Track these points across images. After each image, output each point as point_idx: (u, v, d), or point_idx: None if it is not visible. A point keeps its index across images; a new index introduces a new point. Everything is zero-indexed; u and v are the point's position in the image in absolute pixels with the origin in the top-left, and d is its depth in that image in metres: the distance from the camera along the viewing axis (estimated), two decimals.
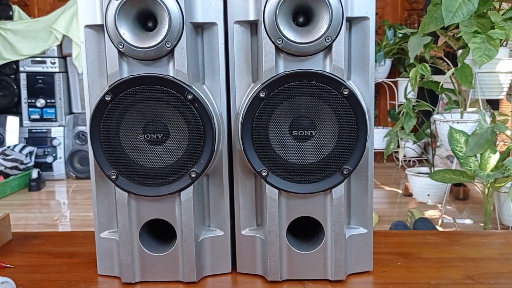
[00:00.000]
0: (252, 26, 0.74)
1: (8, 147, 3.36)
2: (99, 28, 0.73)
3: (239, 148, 0.73)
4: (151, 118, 0.72)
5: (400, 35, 2.98)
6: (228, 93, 0.76)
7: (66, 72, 3.65)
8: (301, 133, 0.72)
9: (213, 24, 0.74)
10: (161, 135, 0.73)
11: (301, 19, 0.72)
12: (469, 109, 2.25)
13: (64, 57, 3.63)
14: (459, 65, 2.01)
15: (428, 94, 2.78)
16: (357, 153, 0.72)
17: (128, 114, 0.72)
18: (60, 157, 3.55)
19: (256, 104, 0.71)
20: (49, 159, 3.53)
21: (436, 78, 2.41)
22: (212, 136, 0.72)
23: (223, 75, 0.75)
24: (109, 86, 0.71)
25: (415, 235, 0.96)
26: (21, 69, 3.57)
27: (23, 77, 3.56)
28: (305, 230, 0.80)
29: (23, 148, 3.38)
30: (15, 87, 3.59)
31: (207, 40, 0.75)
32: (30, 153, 3.39)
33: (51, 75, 3.56)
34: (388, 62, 3.68)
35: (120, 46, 0.70)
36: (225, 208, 0.78)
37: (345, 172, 0.72)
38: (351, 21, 0.73)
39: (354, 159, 0.72)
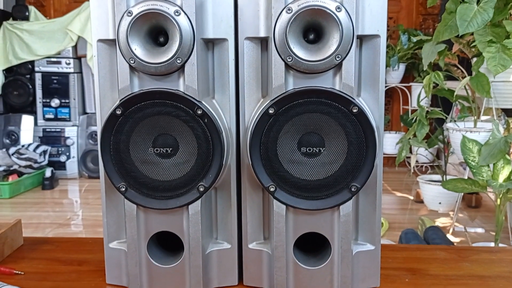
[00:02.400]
0: (263, 42, 0.74)
1: (23, 146, 3.41)
2: (111, 43, 0.74)
3: (247, 163, 0.74)
4: (161, 132, 0.73)
5: (415, 40, 2.96)
6: (238, 108, 0.76)
7: (81, 72, 3.70)
8: (309, 149, 0.72)
9: (224, 40, 0.74)
10: (170, 149, 0.73)
11: (311, 36, 0.72)
12: (482, 117, 2.23)
13: (79, 58, 3.67)
14: (474, 73, 1.99)
15: (442, 100, 2.76)
16: (366, 171, 0.72)
17: (138, 127, 0.73)
18: (74, 156, 3.59)
19: (265, 120, 0.71)
20: (62, 158, 3.58)
21: (450, 84, 2.40)
22: (220, 151, 0.73)
23: (233, 90, 0.76)
24: (120, 100, 0.72)
25: (424, 250, 0.95)
26: (36, 69, 3.62)
27: (38, 77, 3.62)
28: (312, 244, 0.80)
29: (37, 147, 3.43)
30: (30, 86, 3.64)
31: (218, 55, 0.76)
32: (44, 152, 3.44)
33: (65, 75, 3.60)
34: (402, 67, 3.66)
35: (131, 62, 0.71)
36: (232, 221, 0.78)
37: (353, 189, 0.72)
38: (362, 38, 0.73)
39: (362, 176, 0.72)
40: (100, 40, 0.75)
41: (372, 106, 0.75)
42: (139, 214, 0.76)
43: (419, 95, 2.28)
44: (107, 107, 0.76)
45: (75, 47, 3.62)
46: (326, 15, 0.69)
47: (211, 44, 0.76)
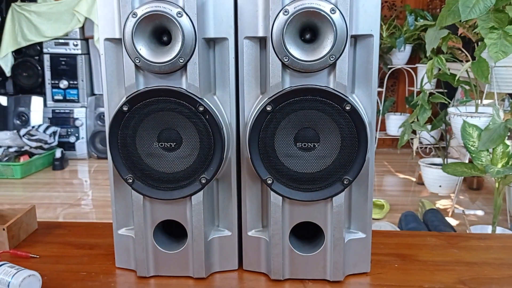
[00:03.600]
0: (261, 41, 0.78)
1: (33, 127, 3.48)
2: (118, 41, 0.78)
3: (247, 156, 0.78)
4: (165, 127, 0.78)
5: (420, 23, 2.96)
6: (238, 104, 0.81)
7: (88, 54, 3.73)
8: (304, 144, 0.77)
9: (225, 39, 0.78)
10: (174, 143, 0.78)
11: (307, 36, 0.76)
12: (485, 101, 2.25)
13: (86, 39, 3.71)
14: (476, 58, 2.00)
15: (446, 84, 2.77)
16: (357, 165, 0.77)
17: (143, 123, 0.78)
18: (82, 137, 3.66)
19: (263, 117, 0.76)
20: (72, 139, 3.65)
21: (455, 66, 2.40)
22: (221, 145, 0.77)
23: (233, 87, 0.80)
24: (126, 97, 0.77)
25: (415, 236, 1.00)
26: (44, 50, 3.66)
27: (46, 59, 3.66)
28: (307, 233, 0.85)
29: (47, 128, 3.50)
30: (39, 68, 3.69)
31: (219, 54, 0.80)
32: (54, 133, 3.50)
33: (73, 57, 3.64)
34: (408, 48, 3.66)
35: (136, 61, 0.75)
36: (233, 210, 0.83)
37: (345, 182, 0.77)
38: (356, 37, 0.77)
39: (354, 170, 0.77)
40: (106, 39, 0.79)
41: (365, 102, 0.78)
42: (146, 203, 0.81)
43: (422, 79, 2.30)
44: (114, 103, 0.81)
45: (82, 29, 3.65)
46: (321, 16, 0.72)
47: (212, 42, 0.80)
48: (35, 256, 0.91)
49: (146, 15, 0.74)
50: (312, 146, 0.77)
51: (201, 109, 0.76)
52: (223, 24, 0.77)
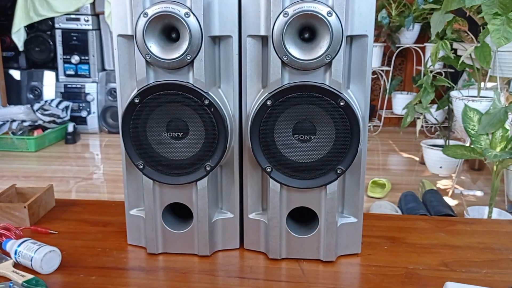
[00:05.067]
0: (263, 40, 0.84)
1: (46, 101, 3.56)
2: (130, 37, 0.84)
3: (248, 146, 0.85)
4: (173, 118, 0.84)
5: (427, 6, 2.96)
6: (240, 97, 0.87)
7: (99, 29, 3.78)
8: (302, 136, 0.83)
9: (229, 36, 0.84)
10: (182, 133, 0.85)
11: (306, 35, 0.81)
12: (488, 84, 2.28)
13: (97, 15, 3.74)
14: (480, 43, 2.03)
15: (452, 66, 2.79)
16: (350, 156, 0.83)
17: (153, 114, 0.84)
18: (94, 112, 3.74)
19: (263, 110, 0.82)
20: (83, 114, 3.73)
21: (461, 48, 2.42)
22: (225, 136, 0.84)
23: (236, 81, 0.86)
24: (138, 90, 0.83)
25: (407, 220, 1.07)
26: (56, 25, 3.71)
27: (58, 34, 3.71)
28: (303, 216, 0.92)
29: (59, 103, 3.58)
30: (51, 43, 3.75)
31: (223, 50, 0.86)
32: (66, 107, 3.59)
33: (84, 32, 3.69)
34: (417, 27, 3.65)
35: (147, 57, 0.81)
36: (235, 195, 0.90)
37: (338, 171, 0.84)
38: (352, 37, 0.82)
39: (347, 160, 0.83)
40: (120, 35, 0.85)
41: (359, 97, 0.84)
42: (155, 187, 0.88)
43: (426, 61, 2.33)
44: (126, 94, 0.87)
45: (93, 4, 3.68)
46: (318, 19, 0.77)
47: (217, 39, 0.85)
48: (54, 232, 1.00)
49: (156, 15, 0.79)
50: (308, 138, 0.83)
51: (206, 102, 0.82)
52: (228, 23, 0.83)
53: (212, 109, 0.83)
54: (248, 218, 0.91)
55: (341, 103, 0.80)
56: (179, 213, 0.94)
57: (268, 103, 0.81)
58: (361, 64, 0.83)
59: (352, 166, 0.85)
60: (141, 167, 0.87)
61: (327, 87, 0.80)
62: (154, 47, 0.81)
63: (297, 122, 0.83)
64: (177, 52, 0.81)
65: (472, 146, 1.98)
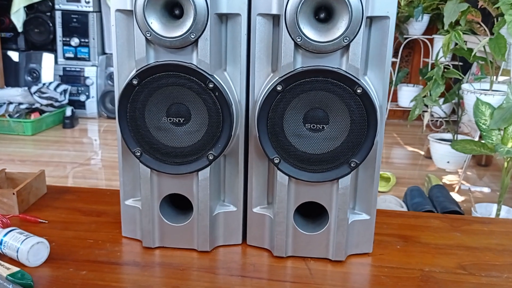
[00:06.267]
0: (275, 19, 0.77)
1: (44, 84, 3.48)
2: (129, 13, 0.77)
3: (255, 134, 0.78)
4: (174, 102, 0.78)
5: None
6: (248, 81, 0.80)
7: (100, 12, 3.69)
8: (313, 126, 0.76)
9: (237, 15, 0.77)
10: (183, 118, 0.78)
11: (322, 15, 0.74)
12: (500, 78, 2.21)
13: None
14: (494, 34, 1.95)
15: (462, 57, 2.72)
16: (366, 148, 0.76)
17: (153, 97, 0.78)
18: (93, 96, 3.67)
19: (273, 96, 0.75)
20: (82, 98, 3.66)
21: (472, 39, 2.35)
22: (230, 123, 0.77)
23: (244, 64, 0.79)
24: (136, 71, 0.76)
25: (419, 217, 1.01)
26: (56, 6, 3.62)
27: (58, 15, 3.62)
28: (311, 211, 0.86)
29: (57, 86, 3.50)
30: (51, 24, 3.66)
31: (231, 29, 0.79)
32: (65, 91, 3.51)
33: (85, 14, 3.60)
34: (426, 18, 3.56)
35: (147, 35, 0.74)
36: (239, 186, 0.84)
37: (352, 165, 0.77)
38: (371, 19, 0.75)
39: (362, 153, 0.77)
40: (118, 10, 0.78)
41: (377, 85, 0.78)
42: (153, 177, 0.82)
43: (437, 53, 2.25)
44: (124, 75, 0.80)
45: None
46: None
47: (224, 17, 0.78)
48: (43, 221, 0.93)
49: None
50: (321, 127, 0.77)
51: (211, 85, 0.75)
52: (236, 0, 0.76)
53: (216, 94, 0.76)
54: (252, 212, 0.85)
55: (358, 91, 0.73)
56: (178, 205, 0.88)
57: (278, 88, 0.74)
58: (380, 49, 0.76)
59: (367, 159, 0.78)
60: (138, 154, 0.80)
61: (344, 72, 0.73)
62: (155, 24, 0.74)
63: (309, 110, 0.76)
64: (180, 29, 0.74)
65: (482, 141, 1.92)
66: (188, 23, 0.74)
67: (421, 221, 0.99)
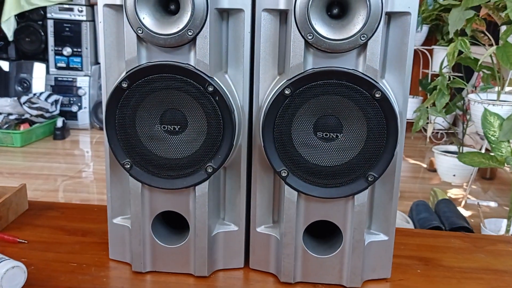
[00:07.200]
0: (282, 15, 0.68)
1: (34, 94, 3.39)
2: (119, 8, 0.69)
3: (259, 144, 0.70)
4: (169, 107, 0.69)
5: (442, 1, 2.82)
6: (252, 85, 0.71)
7: (93, 21, 3.62)
8: (326, 134, 0.68)
9: (240, 10, 0.68)
10: (179, 126, 0.69)
11: (335, 10, 0.66)
12: (507, 88, 2.14)
13: (91, 6, 3.58)
14: (501, 42, 1.89)
15: (464, 66, 2.66)
16: (385, 160, 0.68)
17: (145, 102, 0.69)
18: (85, 107, 3.57)
19: (280, 101, 0.66)
20: (74, 108, 3.56)
21: (475, 49, 2.28)
22: (231, 131, 0.68)
23: (247, 65, 0.71)
24: (126, 73, 0.68)
25: (438, 237, 0.92)
26: (48, 15, 3.54)
27: (50, 24, 3.54)
28: (323, 230, 0.77)
29: (48, 96, 3.41)
30: (42, 33, 3.58)
31: (232, 27, 0.70)
32: (56, 101, 3.41)
33: (78, 23, 3.53)
34: (425, 28, 3.51)
35: (139, 32, 0.66)
36: (241, 203, 0.75)
37: (370, 178, 0.68)
38: (390, 15, 0.67)
39: (381, 165, 0.68)
40: (106, 5, 0.69)
41: (396, 89, 0.69)
42: (144, 192, 0.73)
43: (442, 62, 2.18)
44: (113, 78, 0.72)
45: None
46: None
47: (226, 14, 0.70)
48: (23, 241, 0.84)
49: None
50: (334, 136, 0.68)
51: (210, 89, 0.67)
52: None
53: (216, 98, 0.67)
54: (255, 232, 0.75)
55: (377, 95, 0.65)
56: (172, 224, 0.79)
57: (286, 92, 0.66)
58: (400, 48, 0.68)
59: (385, 173, 0.69)
60: (128, 166, 0.71)
61: (361, 74, 0.65)
62: (148, 20, 0.66)
63: (320, 117, 0.67)
64: (176, 26, 0.66)
65: (489, 153, 1.84)
66: (185, 18, 0.65)
67: (441, 241, 0.90)
